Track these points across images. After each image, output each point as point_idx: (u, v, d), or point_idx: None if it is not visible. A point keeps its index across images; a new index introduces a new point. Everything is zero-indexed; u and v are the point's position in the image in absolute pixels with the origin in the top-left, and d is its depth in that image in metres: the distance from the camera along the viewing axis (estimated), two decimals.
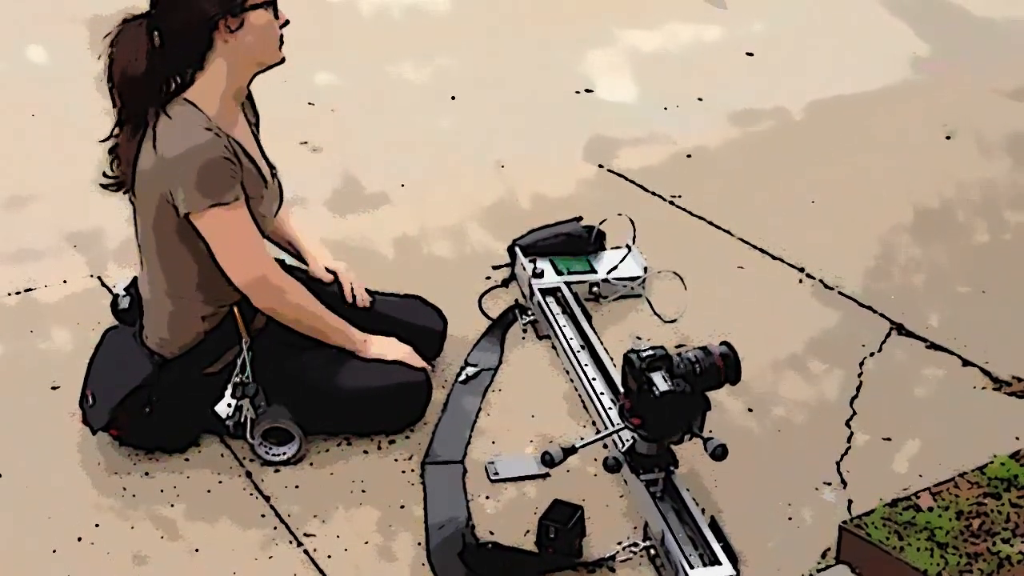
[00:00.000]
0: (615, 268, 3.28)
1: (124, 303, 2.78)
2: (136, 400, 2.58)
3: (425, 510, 2.53)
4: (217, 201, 2.45)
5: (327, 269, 2.92)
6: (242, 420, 2.61)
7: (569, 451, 2.41)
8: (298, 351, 2.69)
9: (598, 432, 2.68)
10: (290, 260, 2.93)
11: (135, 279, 2.77)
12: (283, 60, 2.57)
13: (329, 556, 2.42)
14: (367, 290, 2.94)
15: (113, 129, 2.54)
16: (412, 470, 2.65)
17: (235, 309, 2.63)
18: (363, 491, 2.59)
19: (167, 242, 2.54)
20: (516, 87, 4.71)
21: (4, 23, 5.10)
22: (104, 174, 2.59)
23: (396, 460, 2.68)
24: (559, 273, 3.26)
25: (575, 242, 3.36)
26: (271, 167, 2.71)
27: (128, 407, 2.57)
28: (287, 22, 2.55)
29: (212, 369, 2.64)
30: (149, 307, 2.66)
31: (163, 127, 2.45)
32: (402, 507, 2.55)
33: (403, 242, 3.59)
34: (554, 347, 3.08)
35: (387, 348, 2.74)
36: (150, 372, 2.60)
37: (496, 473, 2.63)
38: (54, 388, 2.86)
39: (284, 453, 2.65)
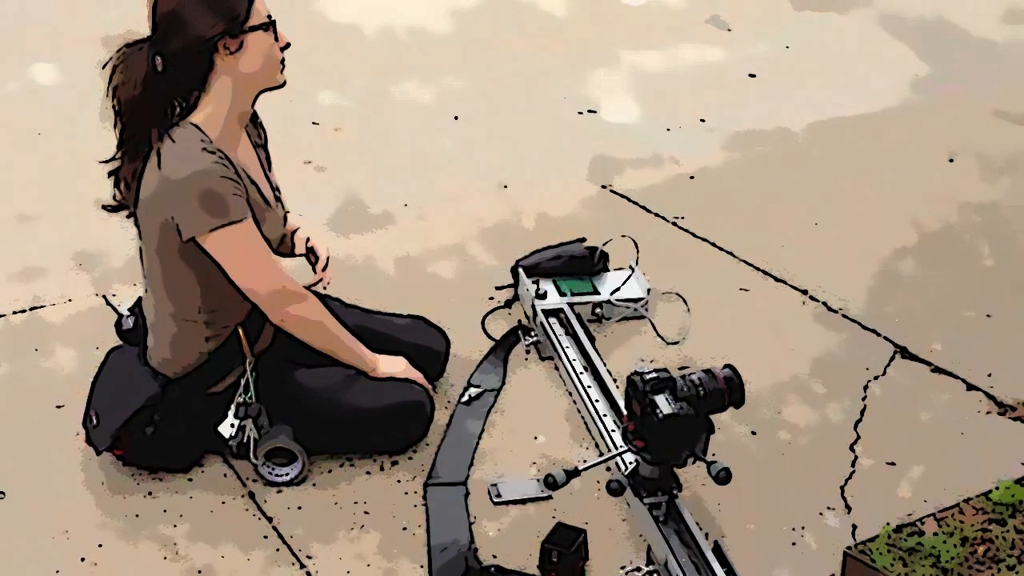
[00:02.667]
0: (618, 289, 3.28)
1: (128, 323, 2.77)
2: (140, 420, 2.58)
3: (427, 532, 2.52)
4: (223, 221, 2.45)
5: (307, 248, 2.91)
6: (245, 440, 2.61)
7: (572, 473, 2.41)
8: (301, 371, 2.69)
9: (601, 455, 2.68)
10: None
11: (139, 299, 2.77)
12: (284, 83, 2.57)
13: None
14: (365, 308, 2.94)
15: (116, 152, 2.54)
16: (415, 492, 2.64)
17: (239, 329, 2.63)
18: (365, 512, 2.59)
19: (171, 264, 2.54)
20: (519, 107, 4.71)
21: (12, 43, 5.11)
22: (113, 197, 2.59)
23: (399, 481, 2.68)
24: (562, 294, 3.26)
25: (578, 263, 3.36)
26: (275, 191, 2.71)
27: (132, 427, 2.57)
28: (288, 45, 2.54)
29: (215, 389, 2.64)
30: (153, 328, 2.66)
31: (167, 150, 2.45)
32: (404, 529, 2.54)
33: (406, 262, 3.59)
34: (557, 368, 3.08)
35: (397, 368, 2.74)
36: (154, 392, 2.60)
37: (499, 495, 2.63)
38: (58, 407, 2.86)
39: (287, 474, 2.64)
